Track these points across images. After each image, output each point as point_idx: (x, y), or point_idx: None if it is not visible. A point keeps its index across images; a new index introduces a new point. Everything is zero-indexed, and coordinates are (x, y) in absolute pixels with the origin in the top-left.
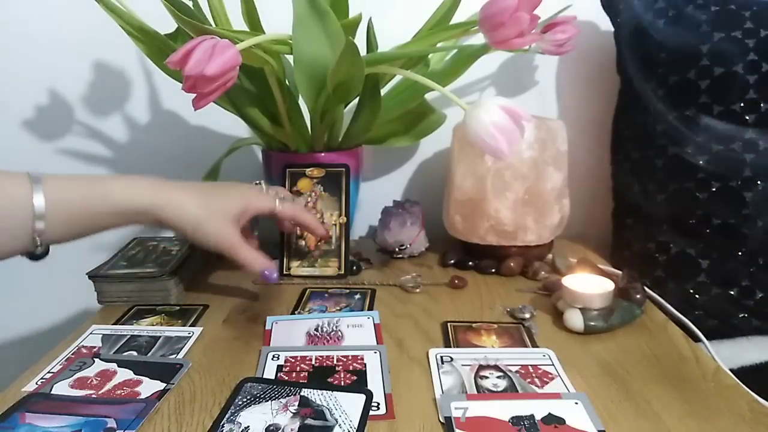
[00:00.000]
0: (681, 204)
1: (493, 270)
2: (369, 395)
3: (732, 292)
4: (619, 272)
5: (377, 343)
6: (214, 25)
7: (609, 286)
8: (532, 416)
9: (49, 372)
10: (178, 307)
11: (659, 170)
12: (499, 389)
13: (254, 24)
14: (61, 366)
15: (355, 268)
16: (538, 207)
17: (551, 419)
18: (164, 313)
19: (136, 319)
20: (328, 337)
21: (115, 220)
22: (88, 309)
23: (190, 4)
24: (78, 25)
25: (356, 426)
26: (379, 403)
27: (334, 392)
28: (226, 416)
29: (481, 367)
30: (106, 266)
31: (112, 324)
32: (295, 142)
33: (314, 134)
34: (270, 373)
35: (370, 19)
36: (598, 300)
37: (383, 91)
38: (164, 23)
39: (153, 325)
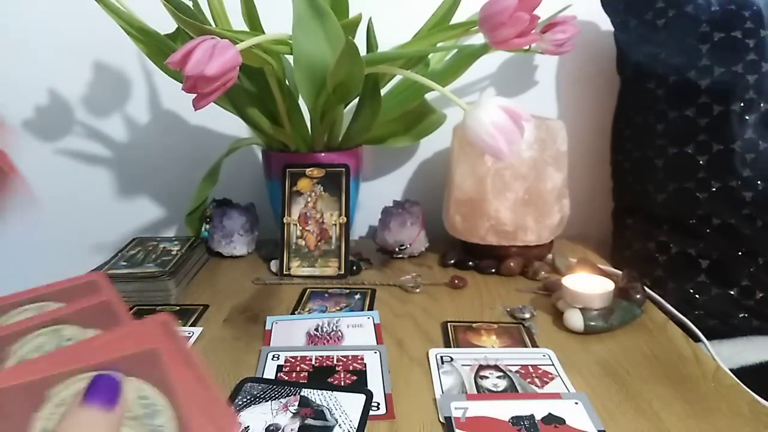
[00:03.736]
0: (681, 204)
1: (493, 270)
2: (369, 395)
3: (732, 292)
4: (619, 272)
5: (377, 343)
6: (214, 25)
7: (609, 286)
8: (532, 416)
9: None
10: (178, 307)
11: (659, 170)
12: (499, 389)
13: (254, 24)
14: None
15: (355, 268)
16: (538, 207)
17: (551, 419)
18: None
19: (136, 319)
20: (328, 337)
21: None
22: None
23: (190, 4)
24: (78, 25)
25: (356, 426)
26: (379, 403)
27: (334, 392)
28: None
29: (481, 367)
30: (106, 266)
31: None
32: (295, 142)
33: (314, 134)
34: (270, 373)
35: (370, 19)
36: (598, 300)
37: (383, 91)
38: (164, 23)
39: None
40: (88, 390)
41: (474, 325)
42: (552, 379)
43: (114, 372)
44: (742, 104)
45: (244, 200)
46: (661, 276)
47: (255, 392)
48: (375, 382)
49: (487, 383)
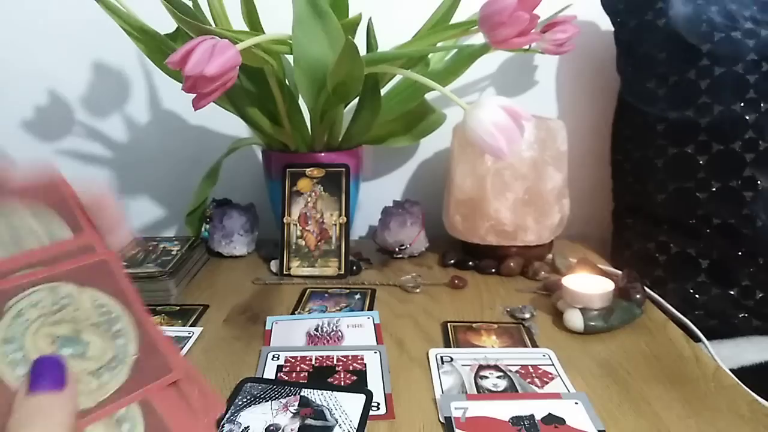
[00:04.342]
0: (681, 204)
1: (493, 270)
2: (369, 395)
3: (732, 292)
4: (619, 272)
5: (377, 343)
6: (214, 25)
7: (609, 286)
8: (532, 416)
9: None
10: (178, 307)
11: (659, 170)
12: (499, 389)
13: (254, 24)
14: None
15: (355, 268)
16: (538, 207)
17: (551, 419)
18: (164, 313)
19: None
20: (328, 337)
21: None
22: None
23: (190, 4)
24: (78, 25)
25: (356, 426)
26: (379, 403)
27: (334, 392)
28: (226, 416)
29: (481, 367)
30: None
31: None
32: (295, 142)
33: (314, 134)
34: (270, 373)
35: (370, 19)
36: (598, 300)
37: (383, 91)
38: (164, 23)
39: None
40: (32, 376)
41: (474, 325)
42: (552, 379)
43: (54, 355)
44: (742, 104)
45: (244, 200)
46: (661, 276)
47: (255, 392)
48: (375, 382)
49: (487, 383)
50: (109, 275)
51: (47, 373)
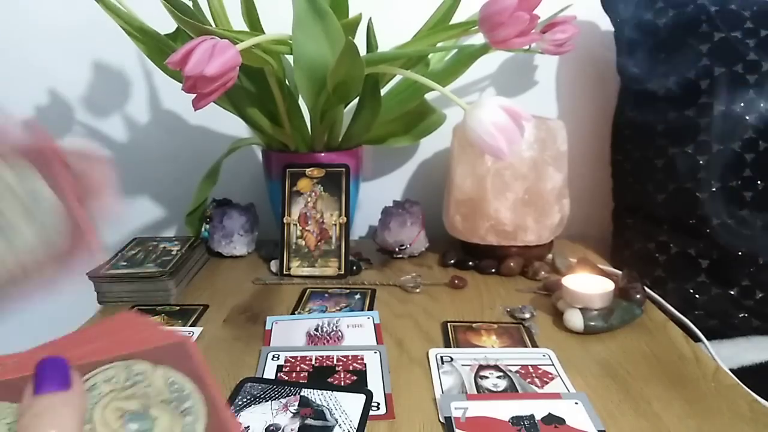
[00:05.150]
0: (681, 204)
1: (493, 270)
2: (369, 395)
3: (732, 292)
4: (619, 272)
5: (377, 343)
6: (214, 25)
7: (609, 286)
8: (532, 416)
9: None
10: (178, 307)
11: (659, 170)
12: (499, 389)
13: (254, 24)
14: None
15: (355, 268)
16: (538, 207)
17: (551, 419)
18: (164, 313)
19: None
20: (328, 337)
21: None
22: (88, 309)
23: (190, 4)
24: (78, 26)
25: (356, 426)
26: (379, 403)
27: (334, 392)
28: None
29: (481, 367)
30: (106, 266)
31: None
32: (295, 142)
33: (314, 134)
34: (270, 373)
35: (370, 19)
36: (598, 300)
37: (383, 91)
38: (164, 23)
39: None
40: (37, 378)
41: (474, 325)
42: (552, 379)
43: (57, 357)
44: (742, 104)
45: (244, 200)
46: (661, 276)
47: (255, 392)
48: (375, 382)
49: (487, 383)
50: (184, 356)
51: (52, 373)
